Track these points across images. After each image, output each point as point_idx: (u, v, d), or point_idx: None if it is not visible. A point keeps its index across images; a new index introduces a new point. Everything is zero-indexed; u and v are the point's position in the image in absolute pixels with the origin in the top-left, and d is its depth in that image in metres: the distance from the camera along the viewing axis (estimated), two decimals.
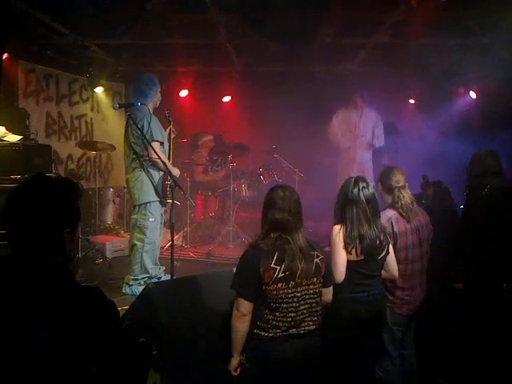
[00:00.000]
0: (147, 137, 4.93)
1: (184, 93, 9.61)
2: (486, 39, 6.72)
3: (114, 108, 4.87)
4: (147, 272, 5.27)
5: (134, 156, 5.21)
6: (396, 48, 7.68)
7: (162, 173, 5.18)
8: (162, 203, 5.32)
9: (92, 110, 8.95)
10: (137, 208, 5.30)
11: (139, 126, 4.92)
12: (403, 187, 3.62)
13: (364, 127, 8.14)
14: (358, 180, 3.29)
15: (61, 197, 1.83)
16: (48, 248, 1.75)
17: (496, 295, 3.80)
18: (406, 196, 3.59)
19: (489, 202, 4.04)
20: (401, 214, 3.56)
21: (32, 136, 6.45)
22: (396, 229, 3.53)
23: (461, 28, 6.35)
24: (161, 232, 5.47)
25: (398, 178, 3.63)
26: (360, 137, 8.09)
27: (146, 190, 5.17)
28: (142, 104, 4.99)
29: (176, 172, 5.32)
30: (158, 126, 5.24)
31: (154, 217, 5.21)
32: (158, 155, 4.87)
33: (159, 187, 5.15)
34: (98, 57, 8.27)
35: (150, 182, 5.17)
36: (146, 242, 5.17)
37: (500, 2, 5.40)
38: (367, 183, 3.28)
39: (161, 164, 4.89)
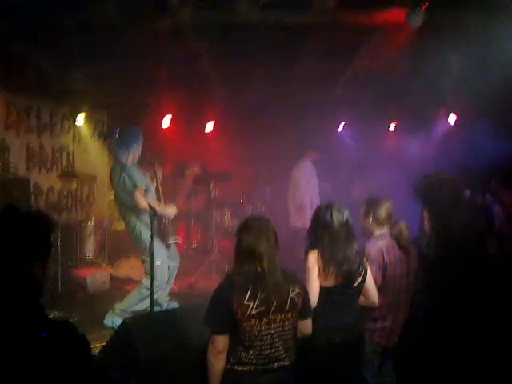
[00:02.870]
0: (129, 187, 5.00)
1: (166, 121, 9.57)
2: (460, 64, 6.84)
3: (93, 137, 4.84)
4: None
5: (124, 208, 5.30)
6: (374, 73, 7.79)
7: (155, 217, 5.15)
8: (165, 245, 5.37)
9: (74, 140, 8.87)
10: (143, 254, 5.32)
11: (120, 179, 5.06)
12: (398, 219, 3.62)
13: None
14: (330, 205, 3.27)
15: (31, 229, 1.82)
16: (17, 281, 1.73)
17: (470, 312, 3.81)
18: (405, 228, 3.60)
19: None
20: (402, 246, 3.54)
21: (12, 169, 6.39)
22: (387, 259, 3.51)
23: (436, 53, 6.46)
24: (172, 272, 5.55)
25: (391, 210, 3.62)
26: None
27: (145, 238, 5.12)
28: (120, 135, 4.96)
29: (171, 210, 5.39)
30: (139, 174, 5.26)
31: (160, 259, 5.18)
32: (144, 202, 4.85)
33: (157, 231, 5.12)
34: (79, 87, 8.25)
35: (146, 229, 5.07)
36: (156, 284, 5.08)
37: (472, 28, 5.52)
38: (341, 208, 3.25)
39: (149, 210, 4.81)
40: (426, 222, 4.18)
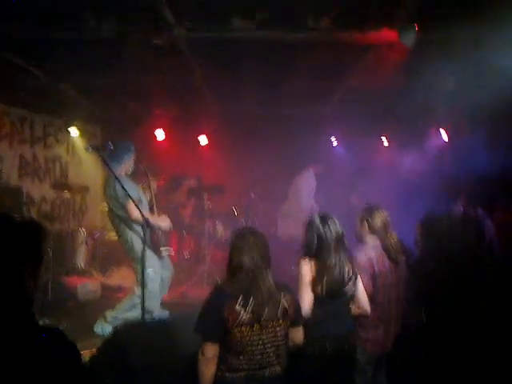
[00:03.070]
0: (122, 199, 5.02)
1: (160, 134, 9.65)
2: (452, 81, 6.94)
3: (87, 150, 4.87)
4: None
5: (117, 219, 5.32)
6: (368, 90, 7.88)
7: (148, 228, 5.17)
8: (158, 256, 5.39)
9: (67, 152, 8.93)
10: (136, 263, 5.34)
11: (112, 191, 5.10)
12: (390, 229, 3.66)
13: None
14: (323, 216, 3.32)
15: (23, 237, 1.81)
16: (8, 289, 1.73)
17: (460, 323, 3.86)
18: (396, 239, 3.63)
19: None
20: (390, 257, 3.57)
21: (4, 178, 6.40)
22: (377, 268, 3.54)
23: (429, 70, 6.56)
24: (165, 282, 5.57)
25: (386, 220, 3.66)
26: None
27: (138, 249, 5.16)
28: (113, 147, 5.00)
29: (164, 222, 5.42)
30: (132, 186, 5.29)
31: (152, 269, 5.21)
32: (136, 214, 4.87)
33: (149, 242, 5.15)
34: (73, 100, 8.30)
35: (139, 241, 5.13)
36: (148, 293, 5.03)
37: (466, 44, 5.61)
38: (332, 219, 3.30)
39: (142, 222, 4.81)
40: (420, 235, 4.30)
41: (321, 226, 3.24)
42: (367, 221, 3.71)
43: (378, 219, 3.66)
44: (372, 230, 3.69)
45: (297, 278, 3.21)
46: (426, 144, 9.40)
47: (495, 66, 5.65)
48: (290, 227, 7.91)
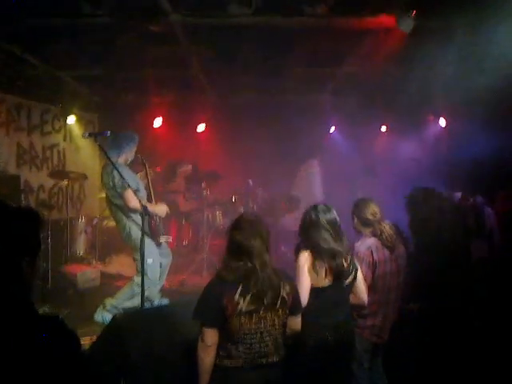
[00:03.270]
0: (119, 187, 5.03)
1: (158, 122, 9.64)
2: (449, 70, 6.92)
3: (84, 137, 4.85)
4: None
5: (115, 207, 5.31)
6: (365, 78, 7.85)
7: (146, 216, 5.19)
8: (157, 243, 5.39)
9: (64, 139, 8.89)
10: (135, 252, 5.34)
11: (110, 179, 5.09)
12: (382, 219, 3.67)
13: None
14: (317, 206, 3.33)
15: (20, 225, 1.82)
16: (5, 277, 1.73)
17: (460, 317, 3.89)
18: (388, 227, 3.64)
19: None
20: (385, 245, 3.60)
21: (1, 166, 6.39)
22: (376, 257, 3.56)
23: (425, 59, 6.53)
24: (164, 270, 5.57)
25: (374, 211, 3.67)
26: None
27: (136, 237, 5.17)
28: (112, 134, 4.99)
29: (161, 210, 5.43)
30: (130, 174, 5.29)
31: (151, 257, 5.22)
32: (134, 202, 4.88)
33: (148, 230, 5.16)
34: (70, 87, 8.27)
35: (137, 228, 5.19)
36: (147, 281, 5.05)
37: (463, 32, 5.59)
38: (328, 208, 3.31)
39: (141, 210, 4.83)
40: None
41: (317, 216, 3.25)
42: (357, 215, 3.76)
43: (367, 211, 3.68)
44: (363, 222, 3.71)
45: (295, 268, 3.22)
46: (424, 131, 9.40)
47: (493, 52, 5.63)
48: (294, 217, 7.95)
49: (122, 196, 5.10)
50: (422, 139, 9.29)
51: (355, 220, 3.77)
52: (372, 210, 3.67)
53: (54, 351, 1.69)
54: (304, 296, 3.12)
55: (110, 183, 5.13)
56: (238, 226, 2.87)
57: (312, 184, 8.79)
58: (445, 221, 4.40)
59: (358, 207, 3.76)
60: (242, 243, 2.78)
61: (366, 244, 3.62)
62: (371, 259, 3.55)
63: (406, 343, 3.97)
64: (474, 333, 4.01)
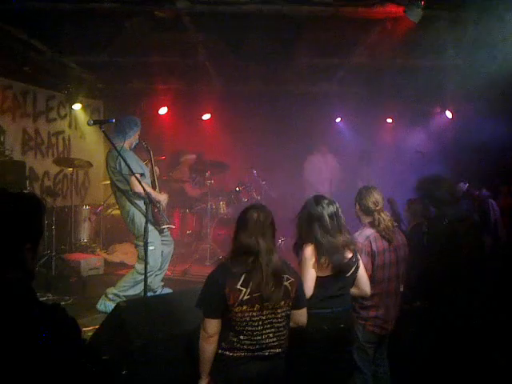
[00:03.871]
0: (125, 172, 5.04)
1: (163, 110, 9.62)
2: (459, 60, 6.86)
3: (89, 124, 4.83)
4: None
5: (120, 193, 5.33)
6: (372, 68, 7.78)
7: (150, 202, 5.20)
8: (159, 230, 5.40)
9: (70, 126, 8.89)
10: (137, 239, 5.40)
11: (116, 164, 5.11)
12: (382, 209, 3.65)
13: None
14: (319, 197, 3.31)
15: (21, 212, 1.79)
16: (7, 263, 1.72)
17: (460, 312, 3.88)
18: (386, 218, 3.62)
19: (448, 233, 4.25)
20: (382, 236, 3.57)
21: (7, 152, 6.38)
22: (374, 247, 3.54)
23: (435, 49, 6.47)
24: (166, 258, 5.58)
25: (376, 200, 3.65)
26: None
27: (139, 223, 5.22)
28: (116, 121, 4.98)
29: (163, 198, 5.46)
30: (135, 159, 5.32)
31: (153, 245, 5.21)
32: (139, 187, 4.87)
33: (151, 216, 5.15)
34: (76, 74, 8.24)
35: (140, 214, 5.22)
36: (149, 269, 5.08)
37: (473, 24, 5.52)
38: (329, 200, 3.29)
39: (144, 195, 4.84)
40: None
41: (318, 208, 3.22)
42: (359, 202, 3.74)
43: (369, 199, 3.66)
44: (365, 211, 3.69)
45: (300, 261, 3.20)
46: (431, 123, 9.34)
47: (502, 42, 5.57)
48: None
49: (127, 181, 5.13)
50: (428, 129, 9.23)
51: (357, 207, 3.76)
52: (374, 199, 3.65)
53: (54, 339, 1.67)
54: (309, 285, 3.11)
55: (116, 168, 5.15)
56: (244, 216, 2.84)
57: (318, 175, 8.82)
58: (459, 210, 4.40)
59: (361, 194, 3.74)
60: (247, 234, 2.77)
61: (365, 234, 3.61)
62: (370, 249, 3.54)
63: (413, 336, 3.96)
64: (479, 325, 3.99)
